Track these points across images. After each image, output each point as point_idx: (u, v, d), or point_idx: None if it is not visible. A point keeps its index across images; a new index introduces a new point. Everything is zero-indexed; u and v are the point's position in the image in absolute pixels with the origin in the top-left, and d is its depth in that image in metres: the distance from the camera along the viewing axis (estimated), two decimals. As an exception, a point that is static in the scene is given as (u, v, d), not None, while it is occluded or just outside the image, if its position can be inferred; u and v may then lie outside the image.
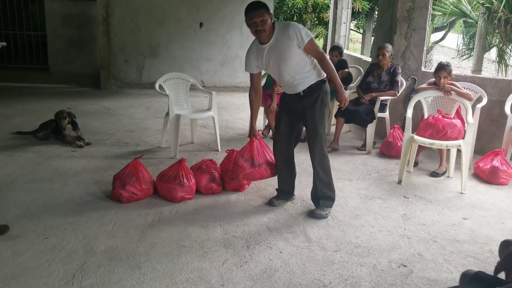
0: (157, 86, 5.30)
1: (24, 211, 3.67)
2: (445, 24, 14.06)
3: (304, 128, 3.86)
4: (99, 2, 8.72)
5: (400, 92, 5.63)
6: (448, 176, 4.90)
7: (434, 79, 5.00)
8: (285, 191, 4.03)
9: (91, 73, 9.23)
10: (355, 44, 20.94)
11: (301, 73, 3.57)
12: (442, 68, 4.86)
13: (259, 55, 3.58)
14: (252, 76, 3.74)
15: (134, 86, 9.24)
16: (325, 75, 3.65)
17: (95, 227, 3.45)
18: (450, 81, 4.91)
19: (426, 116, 4.92)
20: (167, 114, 5.22)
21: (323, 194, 3.79)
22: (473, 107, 5.09)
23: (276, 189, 4.07)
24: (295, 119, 3.79)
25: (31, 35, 9.51)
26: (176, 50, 9.28)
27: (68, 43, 9.26)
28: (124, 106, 7.64)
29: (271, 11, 3.67)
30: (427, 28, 5.83)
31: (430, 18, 5.97)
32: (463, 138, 4.53)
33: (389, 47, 5.55)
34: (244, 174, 3.90)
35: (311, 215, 3.76)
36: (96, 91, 8.81)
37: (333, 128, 6.17)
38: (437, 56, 17.32)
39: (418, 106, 5.11)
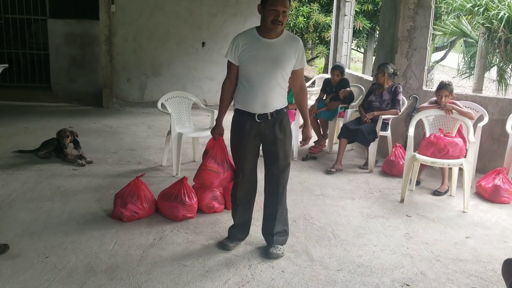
0: (159, 104, 5.32)
1: (25, 230, 3.64)
2: (445, 44, 14.17)
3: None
4: (102, 22, 8.80)
5: (401, 110, 5.64)
6: (450, 195, 4.89)
7: (435, 98, 5.02)
8: (243, 231, 3.59)
9: (93, 92, 9.27)
10: (356, 64, 21.07)
11: (279, 88, 3.25)
12: (444, 87, 4.88)
13: (254, 46, 3.17)
14: (231, 66, 3.30)
15: (136, 105, 9.27)
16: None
17: (96, 246, 3.43)
18: (451, 100, 4.93)
19: (427, 134, 4.93)
20: (169, 132, 5.23)
21: (279, 229, 3.44)
22: (475, 126, 5.11)
23: (230, 228, 3.60)
24: (257, 151, 3.41)
25: (33, 54, 9.58)
26: (179, 69, 9.35)
27: (70, 62, 9.32)
28: (126, 124, 7.66)
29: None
30: (428, 48, 5.87)
31: (431, 38, 6.01)
32: (465, 156, 4.53)
33: (386, 66, 5.58)
34: (221, 180, 3.50)
35: (266, 255, 3.37)
36: (98, 110, 8.84)
37: (335, 148, 6.17)
38: (438, 76, 17.41)
39: (420, 125, 5.12)
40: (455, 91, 5.16)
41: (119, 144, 6.42)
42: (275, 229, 3.43)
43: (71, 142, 5.52)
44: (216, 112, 5.57)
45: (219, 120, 3.46)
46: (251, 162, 3.41)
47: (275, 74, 3.19)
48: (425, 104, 5.19)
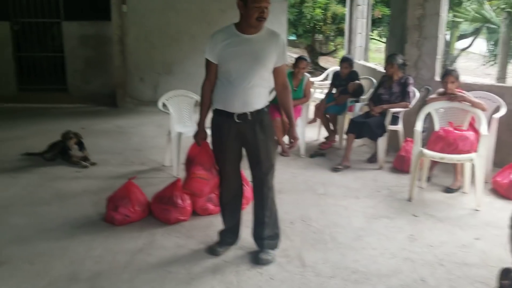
0: (160, 104, 5.25)
1: (16, 236, 3.60)
2: (471, 31, 13.63)
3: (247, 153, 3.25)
4: (114, 22, 8.80)
5: (412, 103, 5.37)
6: (463, 192, 4.61)
7: (443, 89, 4.74)
8: (233, 235, 3.43)
9: (108, 92, 9.27)
10: (382, 54, 20.53)
11: (260, 87, 3.11)
12: (449, 73, 4.62)
13: (233, 42, 3.03)
14: (210, 65, 3.13)
15: (149, 104, 9.19)
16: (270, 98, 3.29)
17: (83, 252, 3.36)
18: (459, 89, 4.64)
19: (437, 128, 4.66)
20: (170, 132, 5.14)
21: (269, 233, 3.28)
22: (490, 117, 4.81)
23: (220, 232, 3.45)
24: (239, 153, 3.26)
25: (51, 57, 9.66)
26: (190, 67, 9.25)
27: (85, 63, 9.37)
28: (136, 124, 7.62)
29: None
30: (439, 36, 5.56)
31: (444, 26, 5.70)
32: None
33: (395, 58, 5.32)
34: (211, 187, 3.38)
35: (256, 261, 3.22)
36: (111, 110, 8.84)
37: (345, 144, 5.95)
38: (466, 64, 16.90)
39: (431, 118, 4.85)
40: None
41: (126, 144, 6.37)
42: (265, 233, 3.27)
43: (76, 144, 5.50)
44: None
45: (201, 124, 3.28)
46: (234, 165, 3.26)
47: (255, 70, 3.05)
48: (434, 96, 4.91)
